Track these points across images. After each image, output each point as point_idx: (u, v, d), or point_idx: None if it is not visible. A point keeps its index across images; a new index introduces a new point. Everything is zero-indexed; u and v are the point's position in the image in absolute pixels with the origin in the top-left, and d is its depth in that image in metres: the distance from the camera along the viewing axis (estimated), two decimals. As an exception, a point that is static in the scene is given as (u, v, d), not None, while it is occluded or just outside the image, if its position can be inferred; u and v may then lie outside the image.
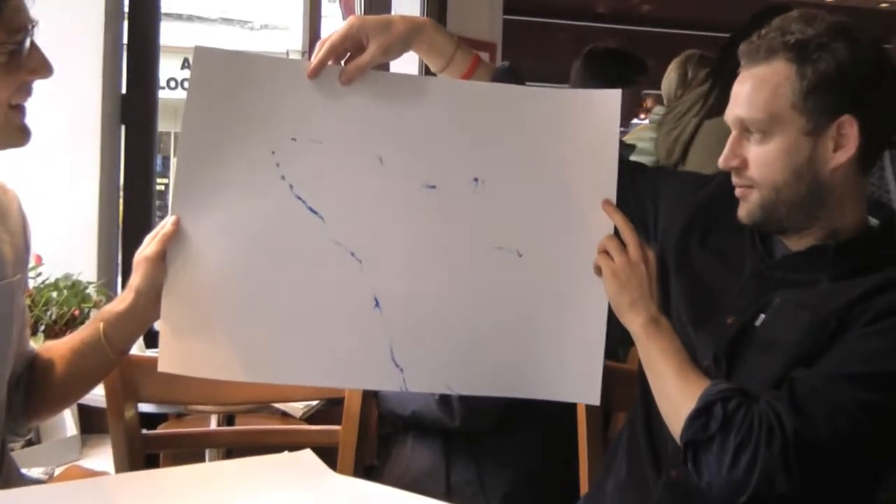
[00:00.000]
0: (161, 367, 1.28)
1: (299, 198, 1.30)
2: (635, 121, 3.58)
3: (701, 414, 1.16)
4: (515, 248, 1.33)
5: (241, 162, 1.29)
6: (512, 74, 1.41)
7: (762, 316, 1.25)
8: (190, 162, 1.29)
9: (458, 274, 1.33)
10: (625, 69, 2.98)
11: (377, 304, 1.31)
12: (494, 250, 1.33)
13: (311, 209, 1.30)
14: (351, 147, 1.30)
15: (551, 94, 1.34)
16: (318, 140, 1.30)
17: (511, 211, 1.33)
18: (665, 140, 2.97)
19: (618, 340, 1.37)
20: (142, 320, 1.32)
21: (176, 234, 1.27)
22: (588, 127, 1.33)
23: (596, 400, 1.34)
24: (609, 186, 1.33)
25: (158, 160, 3.16)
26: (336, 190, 1.31)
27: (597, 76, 2.89)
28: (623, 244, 1.31)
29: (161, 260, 1.28)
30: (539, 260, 1.33)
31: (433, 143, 1.32)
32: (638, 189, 1.44)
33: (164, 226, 1.29)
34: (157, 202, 3.20)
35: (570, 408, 1.59)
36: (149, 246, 1.29)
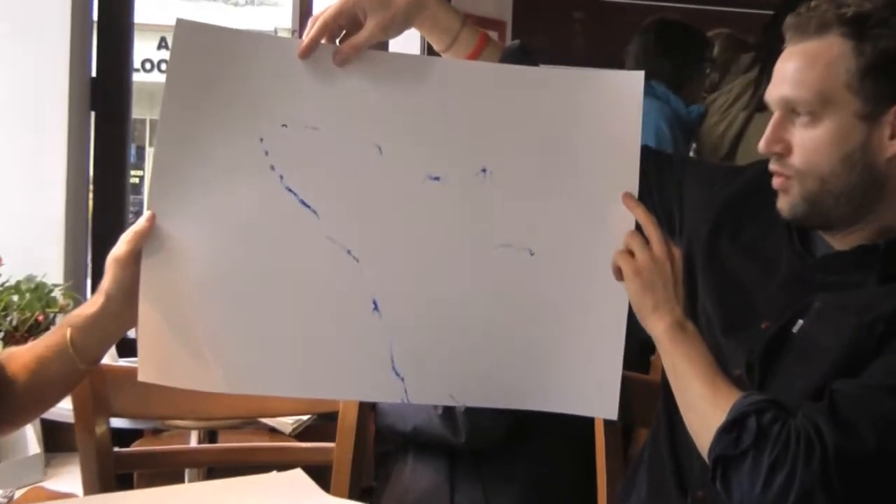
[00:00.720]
0: (141, 377, 1.28)
1: (290, 190, 1.30)
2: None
3: (732, 427, 1.16)
4: (527, 245, 1.34)
5: (226, 150, 1.29)
6: (524, 54, 1.41)
7: (800, 321, 1.24)
8: (168, 150, 1.28)
9: (464, 274, 1.33)
10: (699, 45, 2.96)
11: (376, 308, 1.32)
12: (504, 248, 1.33)
13: (303, 202, 1.30)
14: (347, 135, 1.30)
15: (568, 76, 1.34)
16: (312, 126, 1.30)
17: (522, 205, 1.33)
18: (710, 134, 2.94)
19: (640, 342, 1.38)
20: (113, 327, 1.33)
21: (152, 232, 1.27)
22: (608, 112, 1.33)
23: (613, 414, 1.34)
24: (630, 178, 1.33)
25: (132, 150, 3.16)
26: (331, 182, 1.31)
27: (671, 52, 2.87)
28: (646, 241, 1.30)
29: (133, 261, 1.28)
30: (552, 259, 1.34)
31: (437, 131, 1.32)
32: (662, 180, 1.44)
33: (138, 223, 1.29)
34: (132, 197, 3.22)
35: (587, 423, 1.60)
36: (121, 245, 1.29)
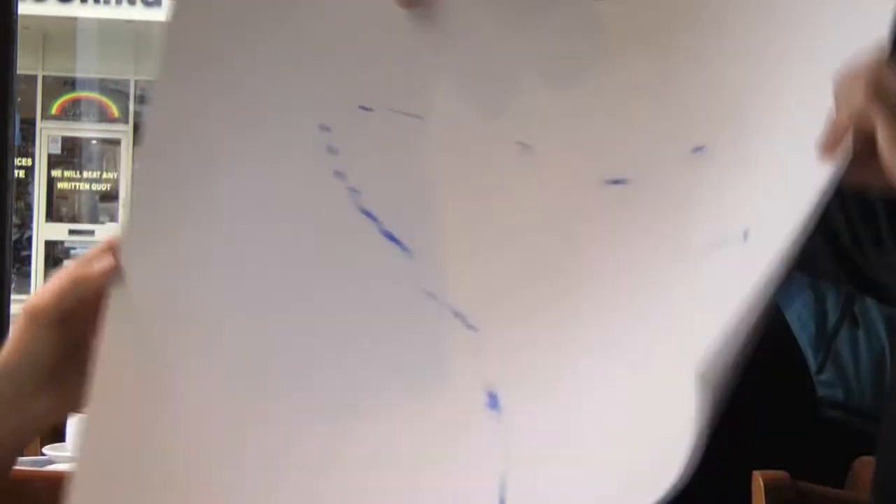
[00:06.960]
0: None
1: (367, 213, 1.24)
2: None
3: None
4: None
5: (259, 144, 1.25)
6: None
7: None
8: (161, 141, 1.24)
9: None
10: None
11: (493, 403, 1.21)
12: None
13: (386, 234, 1.23)
14: (471, 126, 1.25)
15: None
16: (412, 114, 1.25)
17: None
18: None
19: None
20: (17, 422, 1.24)
21: (120, 276, 1.21)
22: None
23: None
24: None
25: (16, 125, 3.16)
26: (436, 202, 1.24)
27: None
28: None
29: (60, 321, 1.19)
30: None
31: (623, 101, 1.24)
32: None
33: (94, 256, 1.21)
34: (15, 204, 3.20)
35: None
36: (48, 293, 1.20)
